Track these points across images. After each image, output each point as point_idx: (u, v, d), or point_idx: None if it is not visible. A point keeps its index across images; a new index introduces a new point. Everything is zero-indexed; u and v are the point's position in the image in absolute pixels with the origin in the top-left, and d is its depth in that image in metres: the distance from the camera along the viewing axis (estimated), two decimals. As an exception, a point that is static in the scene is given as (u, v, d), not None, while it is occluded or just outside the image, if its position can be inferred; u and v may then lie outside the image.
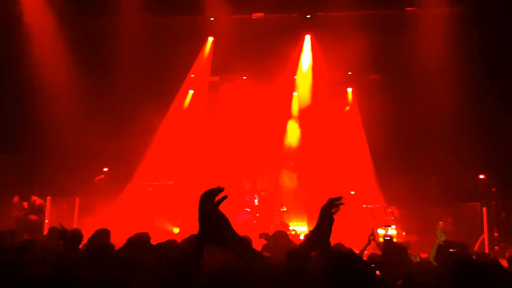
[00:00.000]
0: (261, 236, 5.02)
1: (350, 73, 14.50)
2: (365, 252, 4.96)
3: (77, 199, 11.44)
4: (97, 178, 12.38)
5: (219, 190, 2.24)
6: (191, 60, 14.52)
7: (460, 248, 5.09)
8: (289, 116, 14.99)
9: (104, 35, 13.46)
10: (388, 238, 4.08)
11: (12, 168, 11.48)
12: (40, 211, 8.58)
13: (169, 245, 4.26)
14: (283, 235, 5.22)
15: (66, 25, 12.55)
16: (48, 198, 10.18)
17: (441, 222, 5.57)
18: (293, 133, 14.63)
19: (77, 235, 5.35)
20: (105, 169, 13.58)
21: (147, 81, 13.86)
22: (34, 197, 8.77)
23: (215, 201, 2.24)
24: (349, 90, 15.02)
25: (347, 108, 14.78)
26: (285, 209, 12.71)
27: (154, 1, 12.77)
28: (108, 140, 12.28)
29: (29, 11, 12.04)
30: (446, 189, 12.78)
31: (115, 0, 12.15)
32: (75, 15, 12.62)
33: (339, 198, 2.60)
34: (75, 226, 10.42)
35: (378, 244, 5.27)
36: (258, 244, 5.27)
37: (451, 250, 4.82)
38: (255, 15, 13.69)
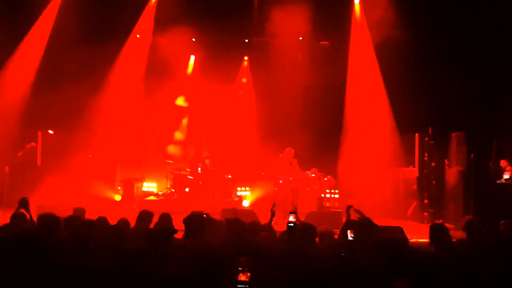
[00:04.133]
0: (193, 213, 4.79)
1: (301, 38, 14.37)
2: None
3: (7, 168, 11.07)
4: (28, 146, 11.95)
5: None
6: (135, 20, 13.89)
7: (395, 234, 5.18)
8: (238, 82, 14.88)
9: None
10: (292, 224, 4.13)
11: None
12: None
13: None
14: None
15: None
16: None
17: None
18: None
19: None
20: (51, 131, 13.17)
21: (90, 40, 13.20)
22: None
23: None
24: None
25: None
26: (229, 176, 12.82)
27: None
28: (42, 103, 11.86)
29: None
30: (386, 153, 13.17)
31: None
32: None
33: None
34: (6, 198, 10.21)
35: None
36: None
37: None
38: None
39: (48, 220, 4.82)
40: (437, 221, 10.36)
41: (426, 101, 11.69)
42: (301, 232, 4.03)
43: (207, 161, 12.67)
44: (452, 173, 10.89)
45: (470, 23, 11.03)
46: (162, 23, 13.55)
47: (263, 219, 8.14)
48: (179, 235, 4.63)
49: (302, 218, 7.34)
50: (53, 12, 13.06)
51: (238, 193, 13.07)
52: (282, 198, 10.19)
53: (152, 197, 12.57)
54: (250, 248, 3.49)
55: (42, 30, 12.89)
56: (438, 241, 4.50)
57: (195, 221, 4.23)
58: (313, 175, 10.49)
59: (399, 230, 5.46)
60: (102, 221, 5.19)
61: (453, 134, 11.11)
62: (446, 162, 11.34)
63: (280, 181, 10.32)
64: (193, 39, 14.01)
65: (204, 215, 4.68)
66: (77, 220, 5.10)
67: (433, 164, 11.40)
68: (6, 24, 11.80)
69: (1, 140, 11.48)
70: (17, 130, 11.95)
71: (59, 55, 12.47)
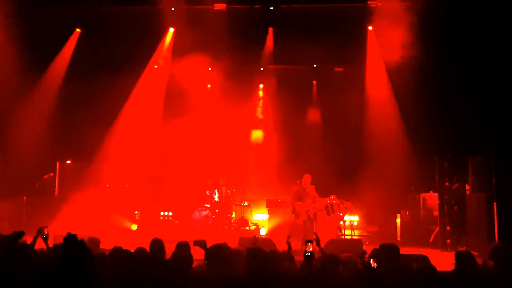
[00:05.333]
0: (196, 243, 4.74)
1: (315, 65, 14.48)
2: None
3: (24, 198, 11.13)
4: (46, 176, 12.06)
5: None
6: (152, 51, 14.20)
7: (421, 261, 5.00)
8: (254, 109, 14.99)
9: (63, 24, 13.06)
10: (309, 254, 4.00)
11: None
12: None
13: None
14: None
15: (20, 13, 12.14)
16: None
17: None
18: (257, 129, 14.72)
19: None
20: (68, 162, 13.36)
21: (108, 71, 13.49)
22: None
23: None
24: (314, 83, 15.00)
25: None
26: (246, 204, 12.72)
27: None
28: (61, 134, 12.06)
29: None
30: (405, 179, 13.00)
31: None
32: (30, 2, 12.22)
33: None
34: (23, 227, 10.21)
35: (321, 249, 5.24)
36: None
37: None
38: (217, 6, 13.46)
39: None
40: (460, 248, 10.10)
41: (445, 125, 11.54)
42: (323, 261, 3.92)
43: (223, 189, 12.62)
44: (474, 199, 10.61)
45: (488, 45, 10.95)
46: (179, 53, 13.84)
47: (281, 248, 7.99)
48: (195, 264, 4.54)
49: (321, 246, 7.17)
50: (71, 45, 13.45)
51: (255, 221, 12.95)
52: (300, 226, 10.04)
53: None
54: (272, 279, 3.39)
55: (62, 62, 13.23)
56: (464, 270, 4.32)
57: (217, 252, 4.13)
58: (334, 201, 10.29)
59: (425, 259, 5.28)
60: (117, 251, 5.11)
61: (474, 159, 10.88)
62: (467, 187, 11.06)
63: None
64: (209, 69, 14.25)
65: (222, 244, 4.59)
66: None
67: (455, 185, 11.10)
68: (28, 57, 12.12)
69: (20, 170, 11.63)
70: (35, 160, 12.11)
71: (77, 86, 12.73)
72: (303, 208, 10.18)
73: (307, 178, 10.39)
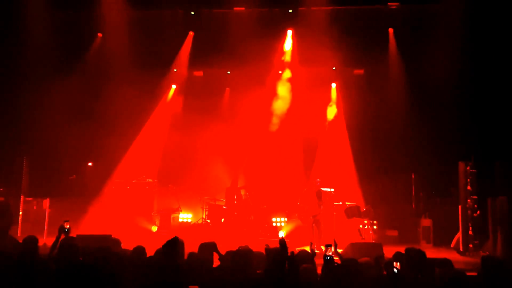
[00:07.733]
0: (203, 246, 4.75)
1: (334, 68, 14.41)
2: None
3: (48, 200, 11.30)
4: (70, 178, 12.26)
5: None
6: (173, 55, 14.34)
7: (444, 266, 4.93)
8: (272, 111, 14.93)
9: (86, 30, 13.29)
10: (328, 257, 3.98)
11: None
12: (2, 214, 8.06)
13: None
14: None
15: (47, 18, 12.42)
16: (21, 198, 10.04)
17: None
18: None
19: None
20: (90, 164, 13.58)
21: (129, 75, 13.68)
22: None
23: None
24: (333, 85, 14.89)
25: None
26: (265, 207, 12.70)
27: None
28: (85, 137, 12.23)
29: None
30: (425, 185, 12.85)
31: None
32: (58, 8, 12.51)
33: None
34: (46, 228, 10.41)
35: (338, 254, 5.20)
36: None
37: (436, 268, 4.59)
38: (237, 9, 13.54)
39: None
40: (483, 253, 9.90)
41: (468, 129, 11.37)
42: (341, 266, 3.88)
43: (242, 192, 12.61)
44: (497, 203, 10.39)
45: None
46: (197, 57, 13.95)
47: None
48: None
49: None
50: (94, 50, 13.66)
51: (274, 224, 12.89)
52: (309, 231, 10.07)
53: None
54: (292, 281, 3.37)
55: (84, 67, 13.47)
56: (491, 275, 4.23)
57: (241, 256, 4.13)
58: (353, 205, 10.21)
59: (448, 263, 5.17)
60: (140, 251, 5.15)
61: (496, 163, 10.67)
62: (490, 191, 10.83)
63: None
64: (228, 72, 14.33)
65: (242, 247, 4.60)
66: (106, 251, 5.09)
67: (477, 190, 10.91)
68: (50, 63, 12.35)
69: (43, 172, 11.85)
70: (58, 162, 12.32)
71: (99, 89, 12.93)
72: (309, 213, 10.12)
73: (316, 182, 10.35)
